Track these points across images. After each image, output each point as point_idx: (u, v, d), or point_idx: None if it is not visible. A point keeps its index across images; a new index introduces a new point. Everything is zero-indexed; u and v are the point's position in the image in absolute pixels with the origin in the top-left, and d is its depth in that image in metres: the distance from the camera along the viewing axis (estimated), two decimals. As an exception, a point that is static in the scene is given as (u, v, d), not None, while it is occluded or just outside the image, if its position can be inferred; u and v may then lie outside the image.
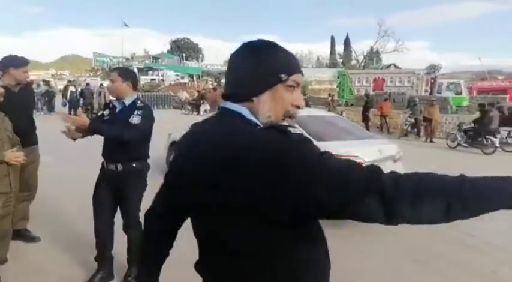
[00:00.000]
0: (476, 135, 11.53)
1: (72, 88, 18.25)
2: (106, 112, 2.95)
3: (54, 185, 5.18)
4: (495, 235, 4.48)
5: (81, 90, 18.37)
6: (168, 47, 60.14)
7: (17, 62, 3.32)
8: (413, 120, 14.60)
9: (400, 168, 4.90)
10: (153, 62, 48.03)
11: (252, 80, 0.95)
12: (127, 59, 50.88)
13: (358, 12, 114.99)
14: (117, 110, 2.87)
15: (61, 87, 36.06)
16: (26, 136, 3.30)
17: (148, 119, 2.83)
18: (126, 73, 2.90)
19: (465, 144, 11.78)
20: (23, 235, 3.60)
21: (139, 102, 2.89)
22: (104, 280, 2.99)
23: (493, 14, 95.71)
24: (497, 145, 10.99)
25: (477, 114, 12.18)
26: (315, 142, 4.16)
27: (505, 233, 4.65)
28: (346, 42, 57.86)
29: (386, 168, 3.59)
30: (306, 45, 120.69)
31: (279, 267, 0.91)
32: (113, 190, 2.93)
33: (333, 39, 60.02)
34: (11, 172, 2.70)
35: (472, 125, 12.00)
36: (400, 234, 4.26)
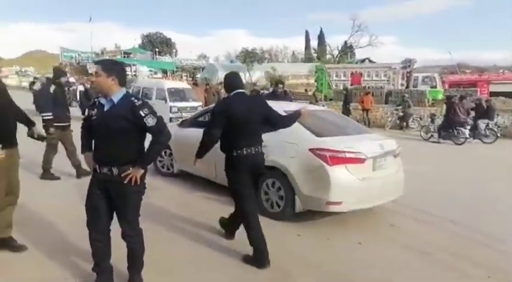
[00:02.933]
0: (446, 127, 11.97)
1: (80, 87, 16.87)
2: (93, 112, 2.69)
3: (34, 187, 4.79)
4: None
5: (85, 89, 15.67)
6: (140, 41, 58.40)
7: None
8: (401, 114, 15.26)
9: (400, 163, 4.81)
10: (124, 57, 46.50)
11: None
12: (97, 54, 49.11)
13: (330, 7, 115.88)
14: (105, 109, 2.62)
15: (26, 84, 34.88)
16: (9, 137, 3.11)
17: (156, 114, 2.63)
18: (110, 67, 2.64)
19: (437, 136, 12.27)
20: (8, 244, 3.30)
21: (135, 100, 2.63)
22: (104, 292, 2.76)
23: (459, 7, 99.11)
24: (467, 136, 11.51)
25: (444, 107, 12.80)
26: (316, 138, 3.99)
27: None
28: (321, 37, 58.14)
29: (388, 163, 3.85)
30: (280, 40, 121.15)
31: None
32: (108, 196, 2.69)
33: (307, 33, 60.23)
34: None
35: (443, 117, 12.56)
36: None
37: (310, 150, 4.18)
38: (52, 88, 5.47)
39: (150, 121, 2.57)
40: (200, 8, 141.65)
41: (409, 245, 3.92)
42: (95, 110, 2.68)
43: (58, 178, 5.62)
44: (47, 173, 5.68)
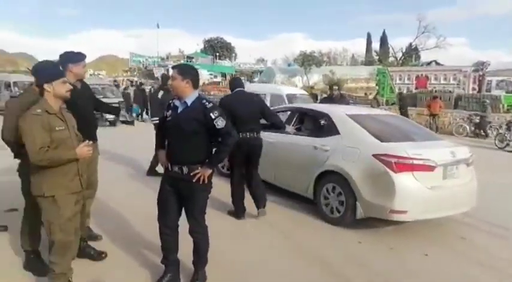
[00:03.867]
0: None
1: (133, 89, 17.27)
2: (168, 113, 2.86)
3: (111, 182, 5.17)
4: None
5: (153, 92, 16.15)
6: (202, 46, 60.75)
7: (74, 57, 3.25)
8: (477, 120, 14.35)
9: (473, 172, 4.47)
10: (187, 61, 48.65)
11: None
12: (162, 58, 51.90)
13: (395, 8, 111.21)
14: (179, 110, 2.77)
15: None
16: (90, 133, 3.27)
17: (225, 116, 2.76)
18: (185, 70, 2.78)
19: None
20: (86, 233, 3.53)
21: (207, 102, 2.76)
22: (171, 284, 2.91)
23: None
24: None
25: None
26: (380, 143, 3.75)
27: None
28: (383, 39, 55.99)
29: (460, 171, 3.45)
30: (339, 43, 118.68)
31: None
32: (178, 193, 2.84)
33: (369, 36, 58.53)
34: (82, 171, 2.66)
35: None
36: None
37: (374, 155, 4.04)
38: (160, 94, 5.93)
39: (220, 123, 2.68)
40: (259, 13, 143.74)
41: (480, 260, 3.64)
42: (169, 111, 2.85)
43: (161, 175, 6.00)
44: (152, 171, 5.94)
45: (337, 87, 8.20)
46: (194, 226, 2.82)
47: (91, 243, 3.40)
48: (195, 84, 2.78)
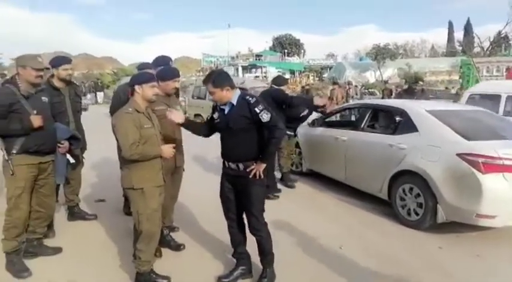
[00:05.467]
0: None
1: None
2: (216, 115, 2.94)
3: (187, 178, 5.47)
4: None
5: None
6: (270, 44, 61.10)
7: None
8: None
9: None
10: (256, 59, 49.43)
11: None
12: (232, 58, 53.29)
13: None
14: (226, 111, 2.84)
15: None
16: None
17: (269, 109, 2.78)
18: (219, 81, 2.79)
19: None
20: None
21: (250, 98, 2.80)
22: (243, 276, 3.00)
23: None
24: None
25: None
26: (465, 142, 3.31)
27: None
28: (467, 28, 51.15)
29: None
30: (417, 34, 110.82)
31: None
32: (236, 189, 2.92)
33: (450, 24, 53.97)
34: (164, 166, 2.88)
35: None
36: None
37: (458, 155, 3.73)
38: None
39: (265, 117, 2.72)
40: (328, 7, 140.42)
41: None
42: (216, 113, 2.94)
43: None
44: None
45: (422, 83, 7.71)
46: (253, 223, 2.85)
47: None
48: (232, 85, 2.82)
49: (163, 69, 3.47)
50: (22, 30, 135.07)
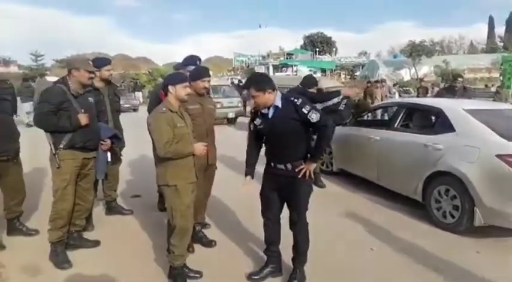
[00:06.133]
0: None
1: None
2: (257, 121, 2.89)
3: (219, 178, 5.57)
4: None
5: None
6: (301, 42, 60.66)
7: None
8: None
9: None
10: (287, 58, 49.24)
11: None
12: (263, 57, 53.37)
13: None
14: (270, 115, 2.79)
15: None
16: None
17: (317, 108, 2.74)
18: (261, 84, 2.73)
19: None
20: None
21: (295, 99, 2.74)
22: (272, 274, 3.02)
23: None
24: None
25: None
26: (507, 142, 3.06)
27: None
28: (509, 23, 48.56)
29: None
30: (455, 30, 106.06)
31: None
32: (280, 188, 2.91)
33: (491, 19, 51.40)
34: (196, 164, 2.97)
35: None
36: None
37: (498, 156, 3.58)
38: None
39: (314, 117, 2.67)
40: (361, 4, 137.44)
41: None
42: (257, 119, 2.89)
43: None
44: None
45: (461, 79, 7.40)
46: (296, 220, 2.85)
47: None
48: (274, 87, 2.77)
49: (194, 69, 3.55)
50: (62, 33, 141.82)
